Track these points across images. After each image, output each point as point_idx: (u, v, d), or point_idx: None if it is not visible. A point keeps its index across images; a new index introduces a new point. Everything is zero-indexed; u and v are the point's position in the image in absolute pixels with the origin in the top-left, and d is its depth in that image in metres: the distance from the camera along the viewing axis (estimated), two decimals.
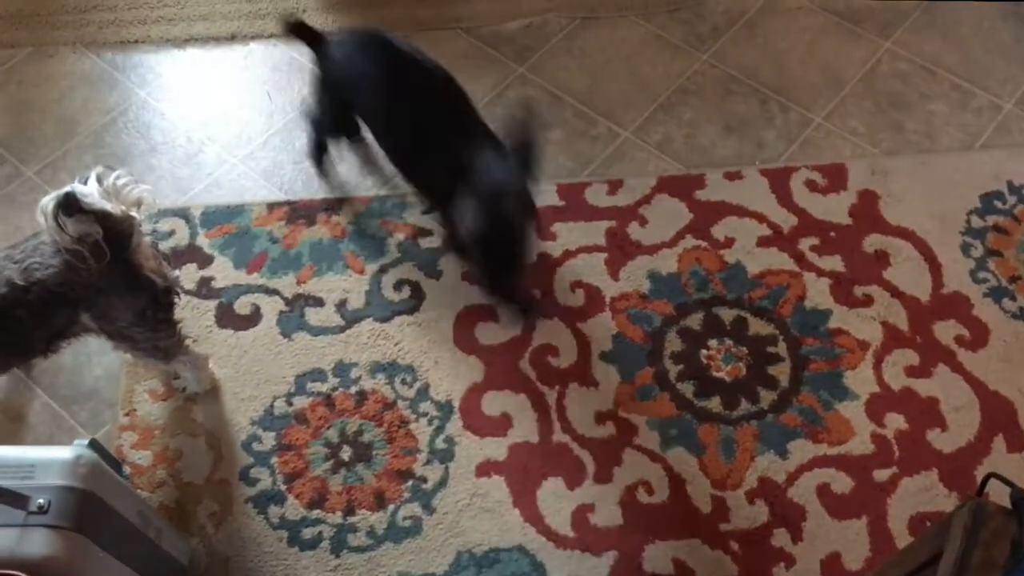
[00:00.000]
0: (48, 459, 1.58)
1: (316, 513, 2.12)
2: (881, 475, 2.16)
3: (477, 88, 2.85)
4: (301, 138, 2.75)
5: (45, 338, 1.92)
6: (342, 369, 2.29)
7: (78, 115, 2.81)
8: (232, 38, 2.99)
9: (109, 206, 1.73)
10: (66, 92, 2.86)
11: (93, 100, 2.84)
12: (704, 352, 2.33)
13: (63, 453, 1.59)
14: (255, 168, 2.69)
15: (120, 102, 2.84)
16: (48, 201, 1.71)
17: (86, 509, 1.56)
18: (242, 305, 2.41)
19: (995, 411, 2.24)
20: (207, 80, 2.90)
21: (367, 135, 2.35)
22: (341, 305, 2.41)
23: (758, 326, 2.38)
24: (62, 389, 2.30)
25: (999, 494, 1.49)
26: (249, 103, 2.84)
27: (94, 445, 1.81)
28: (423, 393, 2.27)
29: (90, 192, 1.72)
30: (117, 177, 1.78)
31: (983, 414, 2.24)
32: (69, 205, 1.70)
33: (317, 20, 3.02)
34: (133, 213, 1.79)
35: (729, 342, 2.34)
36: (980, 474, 2.16)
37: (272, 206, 2.59)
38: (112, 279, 1.84)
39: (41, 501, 1.52)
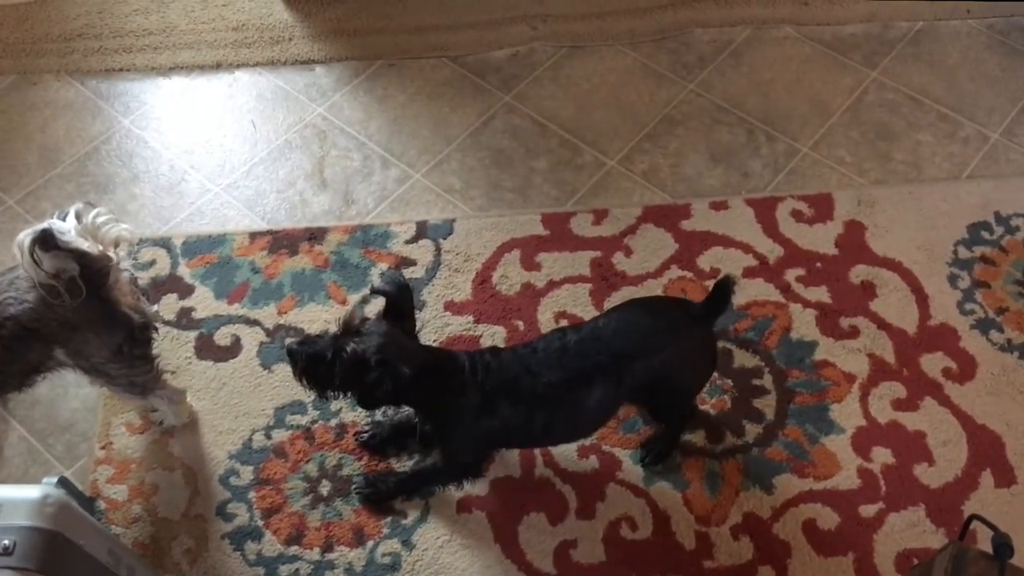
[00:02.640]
0: (15, 499, 1.55)
1: (294, 549, 2.08)
2: (867, 510, 2.13)
3: (462, 117, 2.85)
4: (285, 167, 2.75)
5: (18, 373, 1.89)
6: (322, 401, 2.26)
7: (61, 143, 2.80)
8: (217, 66, 2.98)
9: (86, 245, 1.71)
10: (49, 120, 2.85)
11: (76, 128, 2.83)
12: None
13: (30, 493, 1.56)
14: (238, 197, 2.68)
15: (103, 130, 2.83)
16: (25, 236, 1.69)
17: (53, 550, 1.53)
18: (222, 336, 2.38)
19: (983, 445, 2.22)
20: (191, 108, 2.89)
21: None
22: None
23: (743, 358, 2.35)
24: (38, 422, 2.27)
25: (986, 534, 1.47)
26: (233, 132, 2.83)
27: (63, 483, 1.78)
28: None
29: (67, 229, 1.70)
30: (97, 214, 1.76)
31: (970, 448, 2.21)
32: (46, 241, 1.67)
33: (304, 49, 3.02)
34: (110, 253, 1.77)
35: (714, 374, 2.31)
36: (968, 510, 2.13)
37: (254, 236, 2.57)
38: (87, 315, 1.81)
39: (7, 542, 1.49)
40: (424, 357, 1.88)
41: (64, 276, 1.72)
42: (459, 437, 2.01)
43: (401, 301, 1.91)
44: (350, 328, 1.84)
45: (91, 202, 1.82)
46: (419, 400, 1.95)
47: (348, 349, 1.78)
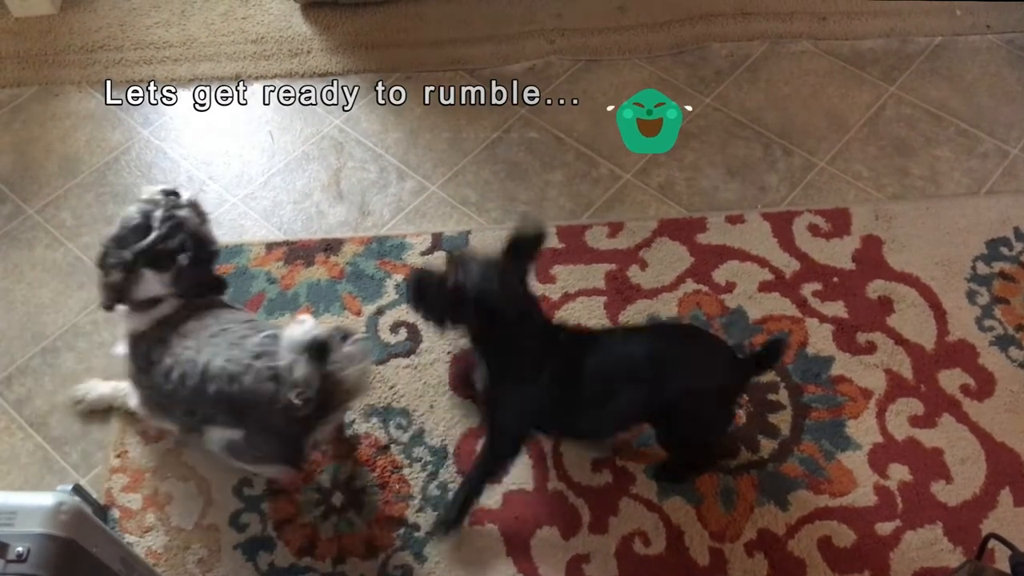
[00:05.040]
0: (29, 506, 1.55)
1: (306, 560, 2.08)
2: (884, 528, 2.11)
3: (478, 129, 2.86)
4: (302, 178, 2.76)
5: None
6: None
7: (81, 153, 2.82)
8: (236, 78, 3.00)
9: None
10: (70, 131, 2.88)
11: (96, 139, 2.86)
12: None
13: (44, 500, 1.56)
14: (255, 208, 2.70)
15: (123, 141, 2.86)
16: (301, 338, 1.79)
17: (66, 558, 1.53)
18: None
19: (1002, 463, 2.19)
20: (210, 120, 2.92)
21: None
22: None
23: None
24: (54, 430, 2.28)
25: (1004, 553, 1.46)
26: (251, 143, 2.85)
27: (78, 490, 1.78)
28: (417, 438, 2.24)
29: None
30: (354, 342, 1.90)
31: (989, 466, 2.19)
32: (322, 354, 1.80)
33: (323, 61, 3.04)
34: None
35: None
36: (986, 528, 2.10)
37: (271, 246, 2.58)
38: None
39: (20, 549, 1.49)
40: (524, 307, 1.90)
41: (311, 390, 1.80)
42: (514, 409, 2.02)
43: (532, 245, 1.90)
44: (463, 260, 1.88)
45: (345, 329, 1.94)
46: (497, 349, 1.95)
47: (450, 280, 1.84)
